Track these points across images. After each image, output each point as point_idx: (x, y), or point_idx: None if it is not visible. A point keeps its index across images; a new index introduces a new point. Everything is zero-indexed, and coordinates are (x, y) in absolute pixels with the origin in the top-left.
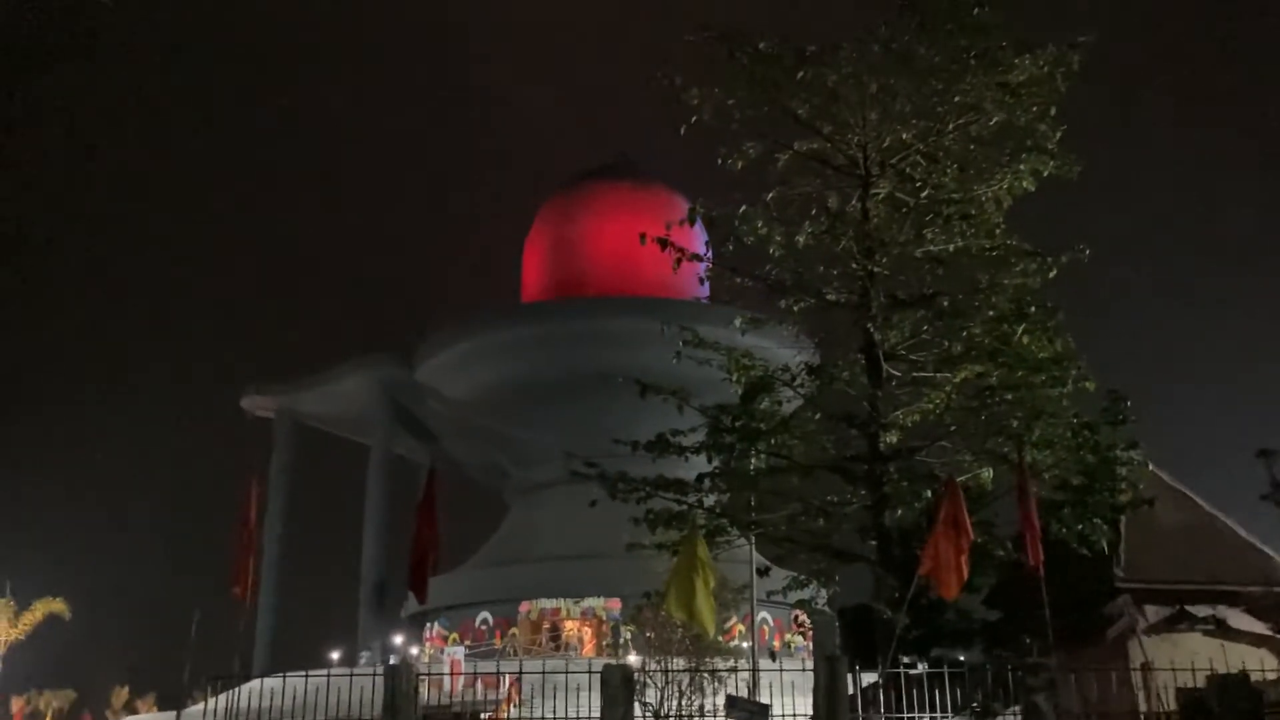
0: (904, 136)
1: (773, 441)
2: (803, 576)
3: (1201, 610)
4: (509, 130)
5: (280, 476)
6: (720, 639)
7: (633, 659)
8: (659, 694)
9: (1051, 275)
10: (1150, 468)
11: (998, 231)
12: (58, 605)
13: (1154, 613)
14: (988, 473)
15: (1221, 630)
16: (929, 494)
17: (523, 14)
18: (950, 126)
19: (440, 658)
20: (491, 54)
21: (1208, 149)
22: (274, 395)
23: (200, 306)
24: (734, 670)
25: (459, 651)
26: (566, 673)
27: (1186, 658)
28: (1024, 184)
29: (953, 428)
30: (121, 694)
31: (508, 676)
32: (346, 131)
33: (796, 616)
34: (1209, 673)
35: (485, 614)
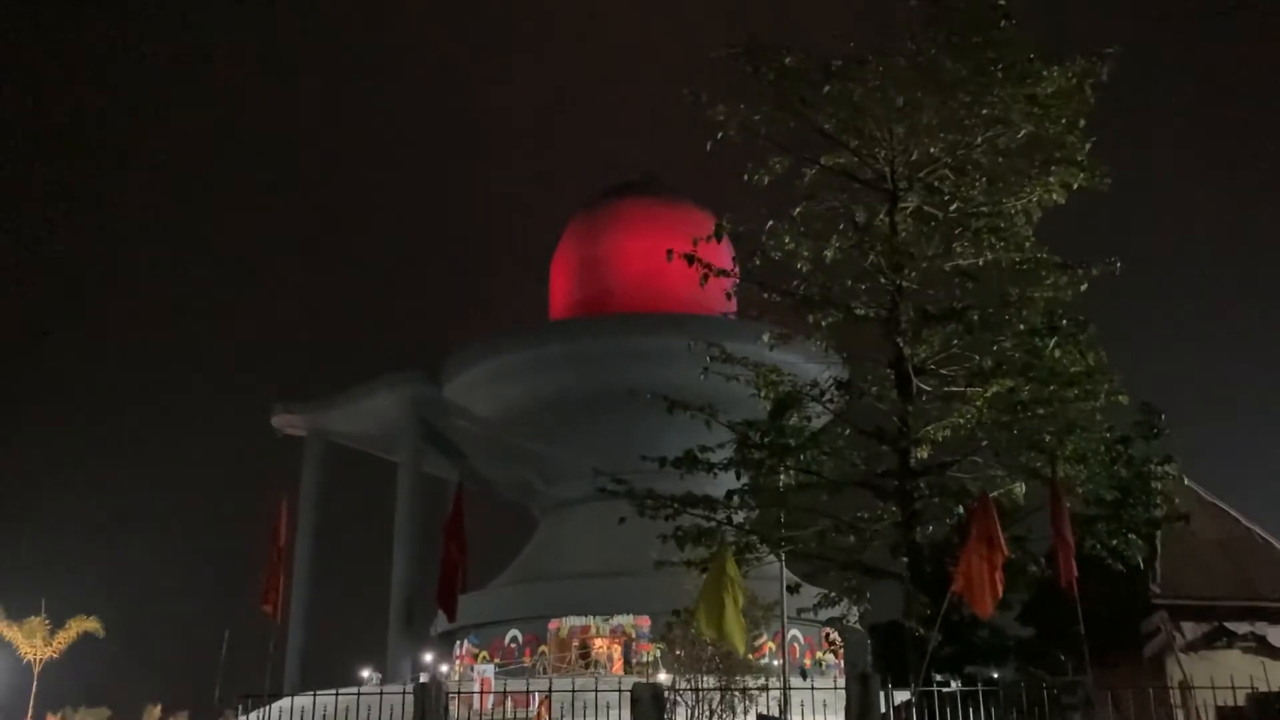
0: (931, 150)
1: (802, 457)
2: (833, 594)
3: (1240, 627)
4: (536, 147)
5: (310, 494)
6: (750, 657)
7: (663, 677)
8: (689, 712)
9: (1083, 288)
10: (1185, 482)
11: (1027, 244)
12: (92, 624)
13: (1191, 629)
14: (1020, 488)
15: (1261, 647)
16: (961, 510)
17: (549, 32)
18: (978, 139)
19: (470, 675)
20: (517, 72)
21: (1244, 158)
22: (304, 413)
23: (231, 325)
24: (765, 688)
25: (488, 669)
26: (596, 691)
27: (1225, 675)
28: (1054, 196)
29: (984, 442)
30: (154, 712)
31: (537, 694)
32: (376, 148)
33: (828, 634)
34: (1249, 691)
35: (515, 631)
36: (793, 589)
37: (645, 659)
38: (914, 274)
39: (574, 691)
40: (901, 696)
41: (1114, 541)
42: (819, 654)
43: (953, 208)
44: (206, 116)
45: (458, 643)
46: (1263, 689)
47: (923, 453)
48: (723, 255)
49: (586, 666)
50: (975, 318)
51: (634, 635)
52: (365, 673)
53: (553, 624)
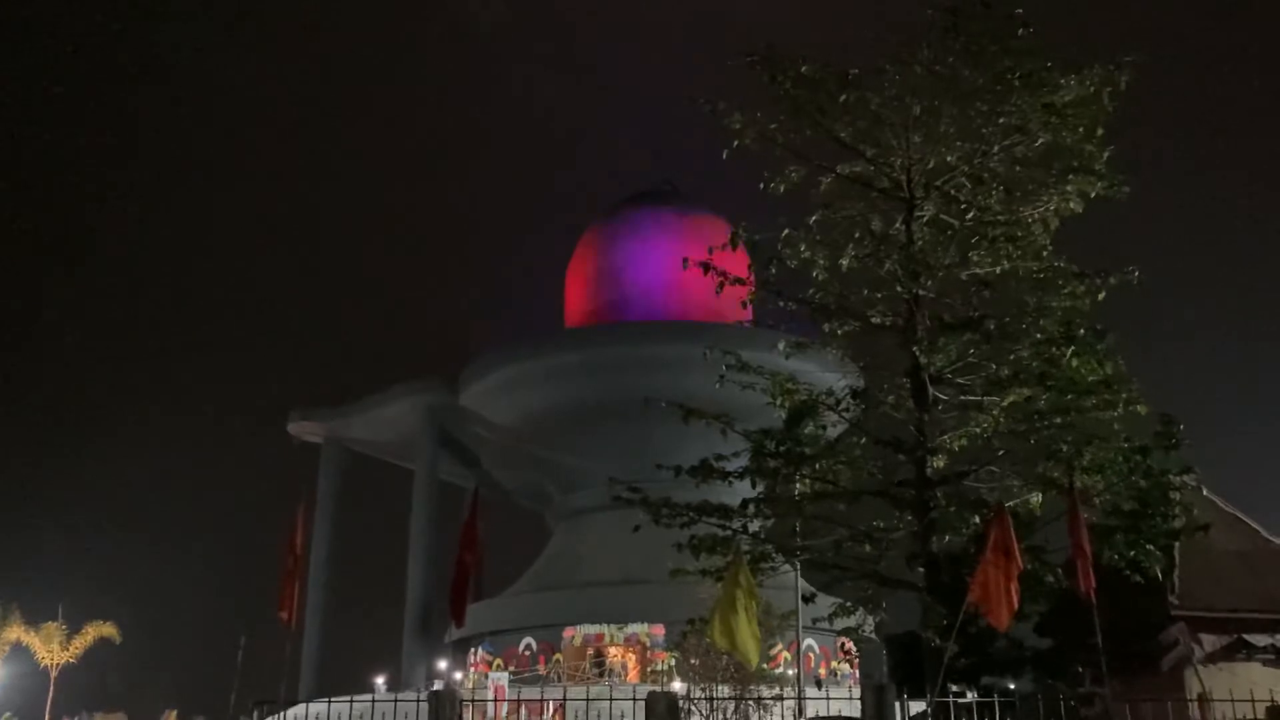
0: (948, 158)
1: (818, 466)
2: (849, 603)
3: (1260, 639)
4: (552, 154)
5: (327, 501)
6: (766, 666)
7: (677, 686)
8: None
9: (1101, 297)
10: (1205, 493)
11: (1045, 253)
12: (108, 629)
13: (1211, 641)
14: (1037, 498)
15: None
16: (977, 520)
17: (567, 40)
18: (995, 148)
19: (484, 683)
20: (536, 78)
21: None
22: (321, 420)
23: (248, 331)
24: (779, 698)
25: (503, 677)
26: (610, 699)
27: (1245, 688)
28: (1071, 205)
29: (1001, 452)
30: (170, 717)
31: (551, 703)
32: (395, 155)
33: (843, 644)
34: (1269, 704)
35: (529, 639)
36: (808, 598)
37: (660, 667)
38: (931, 283)
39: (588, 700)
40: (917, 707)
41: (1132, 552)
42: (834, 664)
43: (970, 216)
44: (228, 121)
45: (472, 650)
46: None
47: (939, 462)
48: (739, 264)
49: (601, 675)
50: (992, 327)
51: (648, 644)
52: (379, 680)
53: (567, 632)
